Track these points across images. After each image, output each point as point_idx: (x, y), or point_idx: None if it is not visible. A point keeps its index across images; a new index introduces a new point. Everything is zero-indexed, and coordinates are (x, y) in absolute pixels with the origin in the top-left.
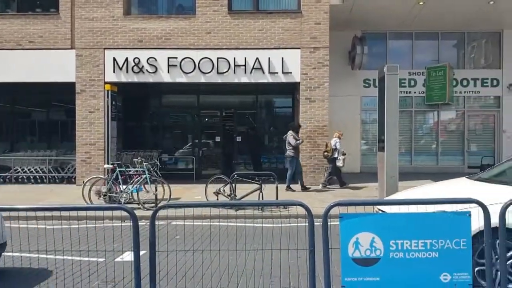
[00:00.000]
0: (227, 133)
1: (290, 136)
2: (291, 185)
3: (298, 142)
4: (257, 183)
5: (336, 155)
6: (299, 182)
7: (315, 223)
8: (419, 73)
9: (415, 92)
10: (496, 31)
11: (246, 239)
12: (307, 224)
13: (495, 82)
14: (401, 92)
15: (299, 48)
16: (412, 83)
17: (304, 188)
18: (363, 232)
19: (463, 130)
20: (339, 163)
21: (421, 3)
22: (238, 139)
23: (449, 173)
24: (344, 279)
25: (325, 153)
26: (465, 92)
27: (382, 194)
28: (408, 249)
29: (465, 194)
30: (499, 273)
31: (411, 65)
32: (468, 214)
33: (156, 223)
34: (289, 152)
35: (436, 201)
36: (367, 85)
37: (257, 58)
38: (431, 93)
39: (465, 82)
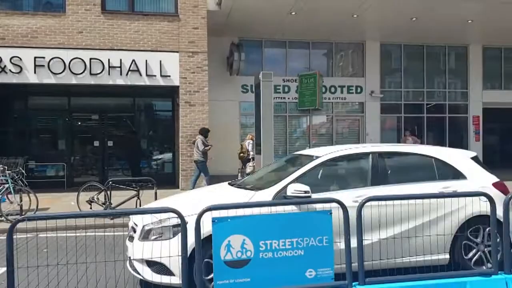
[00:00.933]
0: (103, 138)
1: (199, 141)
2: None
3: (206, 148)
4: (135, 190)
5: (250, 157)
6: (192, 186)
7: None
8: (292, 80)
9: (289, 98)
10: (360, 42)
11: (118, 248)
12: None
13: (359, 89)
14: (276, 97)
15: (177, 52)
16: (286, 89)
17: None
18: (235, 235)
19: (332, 134)
20: (249, 170)
21: (293, 13)
22: (115, 143)
23: None
24: (217, 282)
25: (241, 155)
26: (333, 98)
27: None
28: (276, 249)
29: (213, 199)
30: None
31: (285, 72)
32: (329, 212)
33: (15, 236)
34: (199, 157)
35: (299, 201)
36: (245, 90)
37: (133, 60)
38: (303, 99)
39: (333, 89)
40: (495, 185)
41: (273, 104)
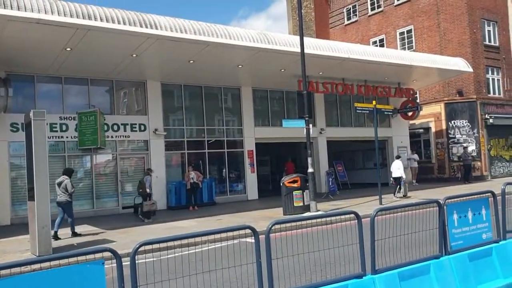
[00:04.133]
0: None
1: (68, 182)
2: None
3: (73, 190)
4: None
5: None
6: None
7: None
8: (71, 118)
9: (67, 137)
10: (141, 81)
11: None
12: None
13: (143, 127)
14: (53, 137)
15: None
16: (64, 127)
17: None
18: None
19: (117, 172)
20: (145, 209)
21: (68, 49)
22: None
23: (106, 215)
24: None
25: (141, 191)
26: (116, 136)
27: (35, 246)
28: None
29: None
30: None
31: (62, 110)
32: (102, 262)
33: None
34: (66, 197)
35: (69, 255)
36: (15, 129)
37: None
38: (83, 138)
39: (116, 127)
40: None
41: (49, 143)
